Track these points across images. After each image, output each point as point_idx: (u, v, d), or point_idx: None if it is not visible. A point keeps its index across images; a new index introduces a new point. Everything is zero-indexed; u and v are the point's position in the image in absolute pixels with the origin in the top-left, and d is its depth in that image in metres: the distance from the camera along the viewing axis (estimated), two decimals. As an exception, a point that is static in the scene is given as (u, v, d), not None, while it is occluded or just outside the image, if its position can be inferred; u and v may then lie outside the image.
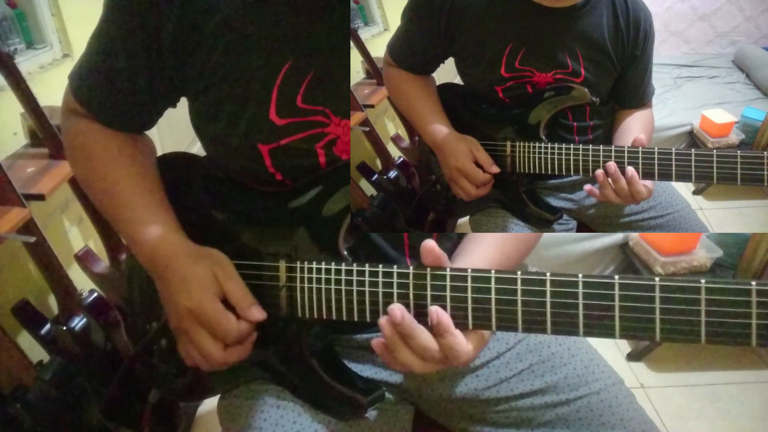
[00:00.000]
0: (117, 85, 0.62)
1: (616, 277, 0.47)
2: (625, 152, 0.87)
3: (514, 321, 0.51)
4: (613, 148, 0.87)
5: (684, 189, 2.26)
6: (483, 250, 0.65)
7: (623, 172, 0.86)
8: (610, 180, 0.87)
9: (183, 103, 0.68)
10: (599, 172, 0.88)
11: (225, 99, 0.60)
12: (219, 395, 0.71)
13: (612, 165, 0.86)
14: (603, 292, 0.48)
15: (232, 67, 0.58)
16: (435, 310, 0.52)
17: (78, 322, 1.01)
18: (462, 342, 0.53)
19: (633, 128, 1.02)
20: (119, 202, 0.64)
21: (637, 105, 1.06)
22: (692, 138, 2.43)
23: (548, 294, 0.49)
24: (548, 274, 0.50)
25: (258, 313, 0.59)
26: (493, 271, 0.51)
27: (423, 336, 0.52)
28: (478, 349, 0.55)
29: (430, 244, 0.53)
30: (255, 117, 0.60)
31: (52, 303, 1.14)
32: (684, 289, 0.45)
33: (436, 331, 0.53)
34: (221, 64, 0.58)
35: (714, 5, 3.30)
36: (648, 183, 0.87)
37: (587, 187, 0.92)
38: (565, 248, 1.68)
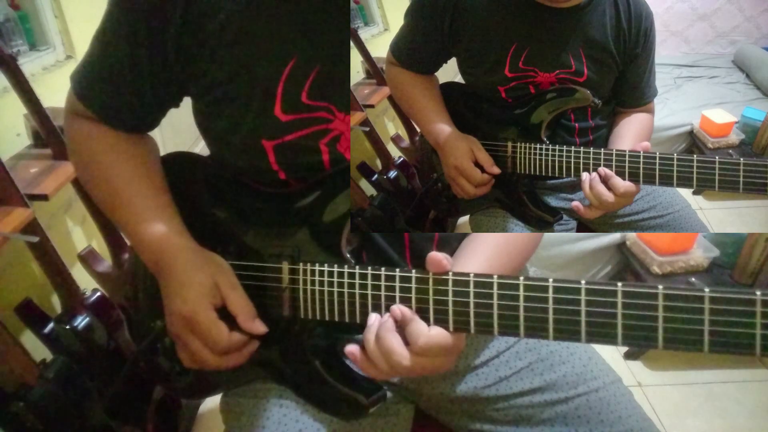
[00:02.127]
0: (121, 86, 0.62)
1: (619, 284, 0.46)
2: (626, 156, 0.86)
3: (516, 326, 0.50)
4: (614, 151, 0.87)
5: (684, 189, 2.26)
6: (485, 252, 0.65)
7: (624, 176, 0.86)
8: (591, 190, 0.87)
9: (185, 103, 0.68)
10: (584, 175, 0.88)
11: (230, 96, 0.60)
12: (222, 393, 0.72)
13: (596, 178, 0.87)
14: (606, 299, 0.47)
15: (237, 63, 0.58)
16: (397, 307, 0.54)
17: (81, 321, 1.01)
18: (423, 328, 0.53)
19: (627, 133, 1.02)
20: (124, 204, 0.64)
21: (636, 105, 1.06)
22: (692, 138, 2.43)
23: (551, 300, 0.49)
24: (551, 279, 0.49)
25: (260, 327, 0.59)
26: (495, 277, 0.51)
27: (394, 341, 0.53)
28: (457, 346, 0.55)
29: (435, 257, 0.53)
30: (260, 113, 0.60)
31: (56, 302, 1.14)
32: (687, 298, 0.44)
33: (401, 323, 0.54)
34: (226, 61, 0.58)
35: (714, 5, 3.30)
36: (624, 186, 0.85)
37: (574, 204, 0.91)
38: (563, 248, 1.68)
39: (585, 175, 0.88)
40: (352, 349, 0.55)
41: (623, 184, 0.85)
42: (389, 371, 0.54)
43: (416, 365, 0.53)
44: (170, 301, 0.60)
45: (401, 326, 0.54)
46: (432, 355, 0.53)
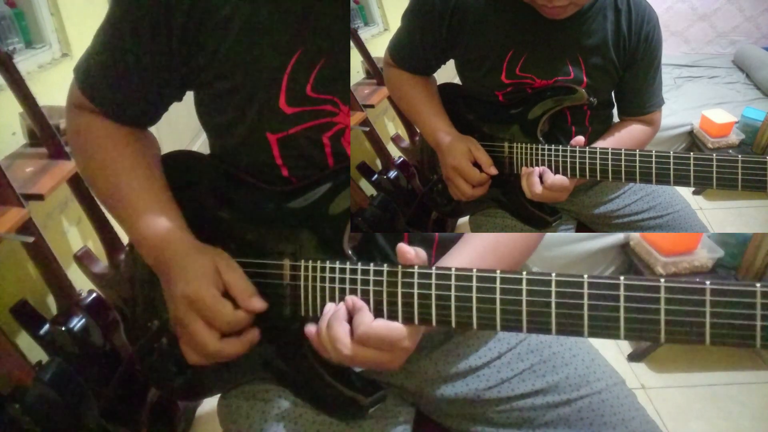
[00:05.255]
0: (124, 79, 0.62)
1: (622, 277, 0.47)
2: (622, 155, 0.86)
3: (518, 321, 0.51)
4: (610, 150, 0.87)
5: (684, 189, 2.25)
6: (470, 252, 0.64)
7: (620, 175, 0.87)
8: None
9: (184, 102, 0.68)
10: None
11: (234, 88, 0.60)
12: (219, 395, 0.71)
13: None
14: (608, 292, 0.47)
15: (242, 55, 0.58)
16: (350, 297, 0.56)
17: (77, 323, 1.01)
18: (367, 318, 0.55)
19: (606, 136, 1.01)
20: (125, 198, 0.64)
21: (637, 113, 1.03)
22: (692, 138, 2.43)
23: (553, 294, 0.49)
24: (553, 274, 0.50)
25: (258, 303, 0.59)
26: (498, 272, 0.51)
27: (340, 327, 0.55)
28: (405, 345, 0.55)
29: (403, 248, 0.54)
30: (264, 106, 0.60)
31: (51, 303, 1.13)
32: (689, 291, 0.45)
33: (350, 313, 0.56)
34: (232, 53, 0.58)
35: (714, 5, 3.30)
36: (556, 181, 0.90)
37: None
38: (566, 248, 1.67)
39: (526, 169, 0.94)
40: (311, 329, 0.57)
41: (558, 179, 0.91)
42: (335, 358, 0.55)
43: (356, 355, 0.54)
44: (173, 289, 0.59)
45: (350, 315, 0.56)
46: (373, 347, 0.54)
